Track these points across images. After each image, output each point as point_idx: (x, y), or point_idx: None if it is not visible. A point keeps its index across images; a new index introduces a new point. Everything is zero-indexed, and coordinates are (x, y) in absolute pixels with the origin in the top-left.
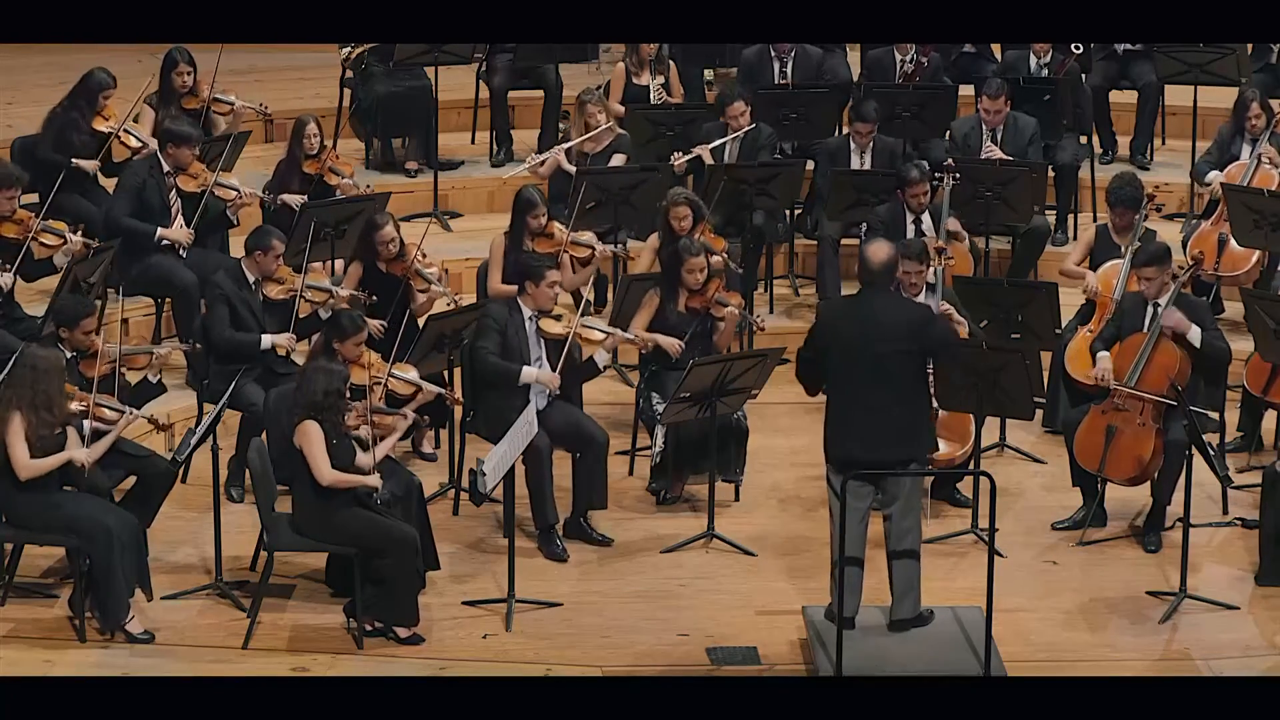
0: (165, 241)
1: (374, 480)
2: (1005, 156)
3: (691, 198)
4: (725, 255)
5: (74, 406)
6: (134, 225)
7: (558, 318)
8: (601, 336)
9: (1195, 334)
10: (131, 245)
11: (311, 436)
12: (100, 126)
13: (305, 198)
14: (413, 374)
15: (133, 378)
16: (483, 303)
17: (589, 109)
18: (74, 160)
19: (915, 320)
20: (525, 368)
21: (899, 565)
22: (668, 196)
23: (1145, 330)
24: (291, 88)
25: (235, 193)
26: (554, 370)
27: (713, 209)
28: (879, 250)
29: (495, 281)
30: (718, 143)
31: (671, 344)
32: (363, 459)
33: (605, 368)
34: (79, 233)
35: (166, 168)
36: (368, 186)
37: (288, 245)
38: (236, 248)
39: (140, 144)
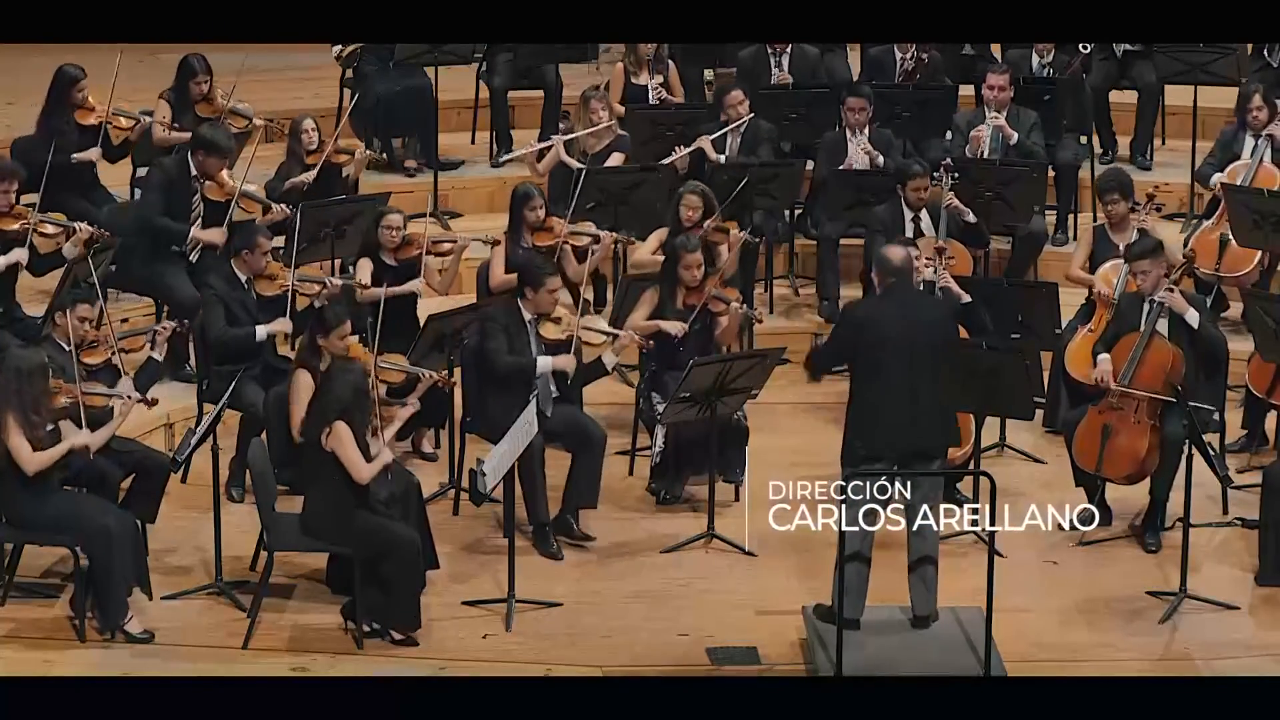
0: (197, 245)
1: (388, 455)
2: (1011, 131)
3: (705, 190)
4: (743, 232)
5: (62, 401)
6: (167, 225)
7: (557, 321)
8: (601, 339)
9: (1193, 316)
10: (144, 245)
11: (344, 439)
12: (86, 120)
13: (315, 173)
14: (401, 362)
15: (131, 362)
16: (484, 302)
17: (593, 104)
18: (73, 156)
19: (949, 313)
20: (540, 358)
21: (931, 563)
22: (683, 186)
23: (1140, 329)
24: (291, 88)
25: (260, 205)
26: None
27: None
28: (896, 251)
29: (498, 274)
30: (718, 133)
31: (675, 325)
32: (374, 446)
33: (613, 368)
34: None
35: (194, 171)
36: (381, 151)
37: (289, 244)
38: None
39: (134, 121)
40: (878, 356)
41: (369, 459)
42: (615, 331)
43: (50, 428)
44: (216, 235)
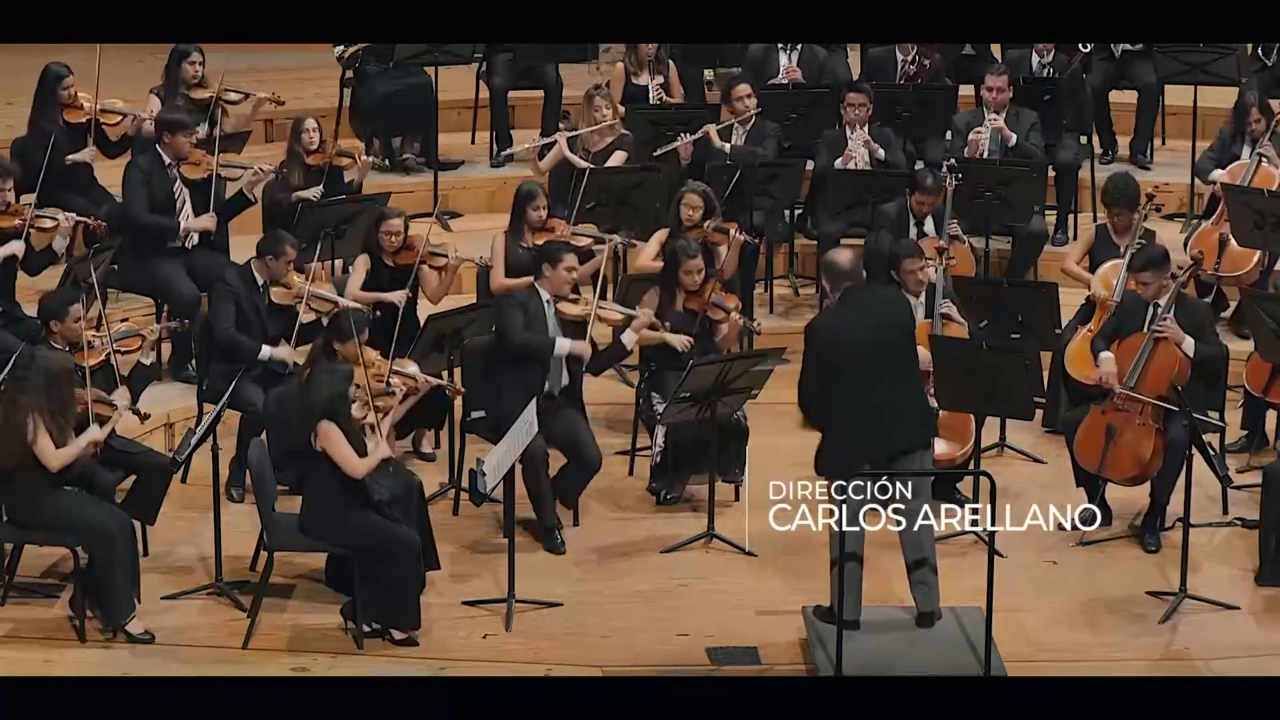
0: (191, 233)
1: (385, 449)
2: (1009, 133)
3: (706, 190)
4: (741, 233)
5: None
6: (156, 221)
7: (575, 300)
8: (620, 318)
9: (1189, 345)
10: (140, 244)
11: (333, 437)
12: (74, 118)
13: (321, 188)
14: (413, 369)
15: (126, 363)
16: (485, 302)
17: (596, 102)
18: (68, 158)
19: (895, 301)
20: (560, 339)
21: (929, 560)
22: (684, 186)
23: (1145, 330)
24: (291, 88)
25: (241, 171)
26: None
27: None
28: (843, 254)
29: (498, 276)
30: (725, 123)
31: (680, 339)
32: (371, 442)
33: (631, 349)
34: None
35: (167, 160)
36: (384, 158)
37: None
38: (237, 248)
39: (123, 115)
40: (844, 367)
41: (356, 452)
42: (633, 312)
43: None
44: (208, 221)
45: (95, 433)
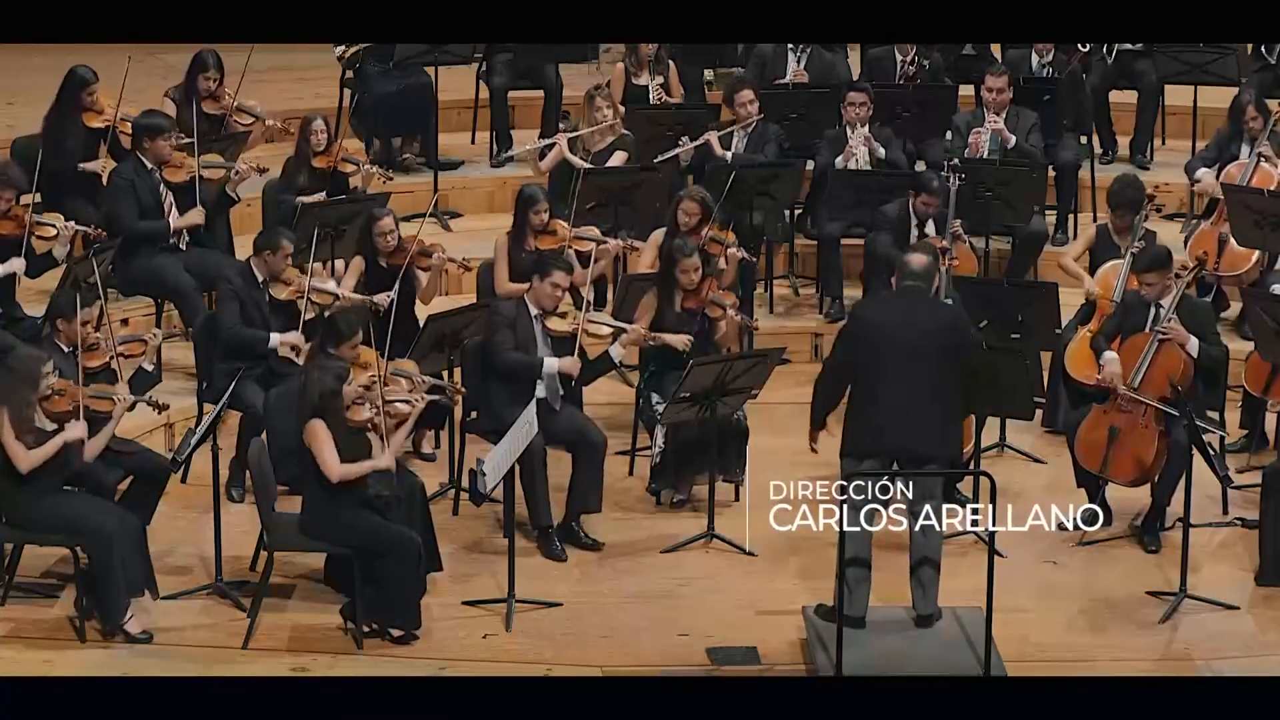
0: (181, 232)
1: (385, 461)
2: (1009, 134)
3: (705, 196)
4: (740, 250)
5: (65, 404)
6: (146, 227)
7: (563, 315)
8: (608, 332)
9: (1194, 345)
10: (135, 250)
11: (319, 436)
12: (94, 123)
13: (324, 195)
14: (412, 369)
15: (128, 368)
16: (485, 302)
17: (597, 102)
18: (81, 165)
19: (955, 321)
20: (547, 359)
21: (930, 563)
22: (683, 190)
23: (1148, 330)
24: (291, 88)
25: (223, 170)
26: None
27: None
28: (918, 258)
29: (502, 280)
30: (726, 130)
31: (680, 339)
32: (377, 449)
33: (620, 362)
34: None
35: (149, 165)
36: (389, 175)
37: (298, 250)
38: (239, 248)
39: None
40: (876, 356)
41: (357, 457)
42: (624, 326)
43: (53, 428)
44: (196, 217)
45: (79, 430)
